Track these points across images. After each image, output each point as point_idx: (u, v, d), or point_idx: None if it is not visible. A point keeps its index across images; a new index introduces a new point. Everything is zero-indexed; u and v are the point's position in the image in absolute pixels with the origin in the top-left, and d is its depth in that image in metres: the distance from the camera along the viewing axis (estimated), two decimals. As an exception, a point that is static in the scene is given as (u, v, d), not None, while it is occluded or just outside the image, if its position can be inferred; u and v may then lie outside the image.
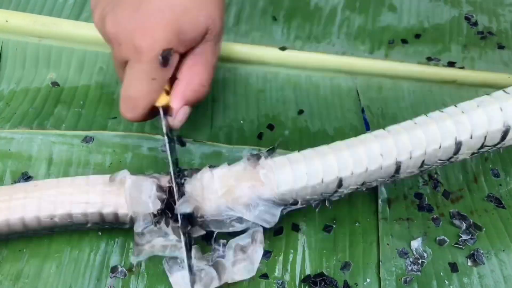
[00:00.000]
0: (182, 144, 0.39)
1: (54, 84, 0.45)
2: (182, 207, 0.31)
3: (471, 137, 0.32)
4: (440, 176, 0.40)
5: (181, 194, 0.32)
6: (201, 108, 0.44)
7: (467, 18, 0.53)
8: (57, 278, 0.33)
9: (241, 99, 0.45)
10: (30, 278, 0.33)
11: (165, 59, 0.31)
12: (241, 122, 0.44)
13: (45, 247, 0.34)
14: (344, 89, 0.47)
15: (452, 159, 0.33)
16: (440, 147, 0.32)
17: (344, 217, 0.37)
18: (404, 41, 0.51)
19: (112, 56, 0.34)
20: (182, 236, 0.31)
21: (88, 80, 0.45)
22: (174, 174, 0.33)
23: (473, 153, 0.33)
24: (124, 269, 0.34)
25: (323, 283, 0.34)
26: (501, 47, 0.51)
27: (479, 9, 0.54)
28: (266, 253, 0.35)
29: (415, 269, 0.35)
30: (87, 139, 0.40)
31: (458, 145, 0.32)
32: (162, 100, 0.34)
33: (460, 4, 0.54)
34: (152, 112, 0.34)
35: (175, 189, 0.32)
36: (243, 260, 0.33)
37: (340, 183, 0.32)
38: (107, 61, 0.46)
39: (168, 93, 0.34)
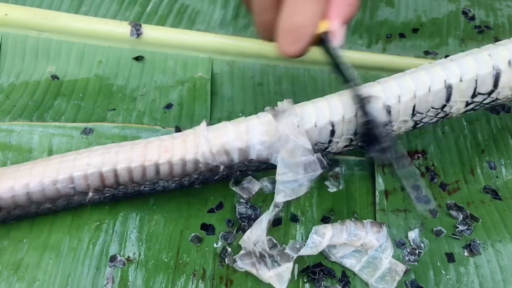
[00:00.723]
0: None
1: (54, 77, 0.45)
2: None
3: (461, 80, 0.32)
4: (437, 168, 0.41)
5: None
6: (200, 101, 0.44)
7: (464, 13, 0.53)
8: (56, 267, 0.33)
9: (239, 92, 0.45)
10: (29, 268, 0.33)
11: None
12: (240, 114, 0.44)
13: (44, 237, 0.35)
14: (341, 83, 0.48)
15: (447, 110, 0.33)
16: (429, 90, 0.32)
17: (341, 208, 0.38)
18: (401, 35, 0.51)
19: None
20: None
21: (88, 73, 0.45)
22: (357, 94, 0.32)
23: (467, 104, 0.33)
24: (123, 259, 0.34)
25: (321, 273, 0.34)
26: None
27: (476, 3, 0.54)
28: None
29: (412, 259, 0.35)
30: (86, 131, 0.40)
31: (449, 90, 0.32)
32: (322, 27, 0.31)
33: (458, -2, 0.55)
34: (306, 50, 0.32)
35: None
36: None
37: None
38: (106, 55, 0.46)
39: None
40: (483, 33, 0.52)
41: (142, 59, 0.46)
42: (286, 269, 0.33)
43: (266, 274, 0.33)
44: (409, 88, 0.32)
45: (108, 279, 0.33)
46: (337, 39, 0.31)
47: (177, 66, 0.46)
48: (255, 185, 0.38)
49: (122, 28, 0.47)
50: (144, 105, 0.43)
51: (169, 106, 0.43)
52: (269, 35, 0.32)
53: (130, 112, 0.42)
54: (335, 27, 0.31)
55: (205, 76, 0.46)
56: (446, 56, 0.48)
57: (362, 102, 0.32)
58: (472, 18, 0.53)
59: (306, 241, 0.34)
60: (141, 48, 0.47)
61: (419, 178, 0.34)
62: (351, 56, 0.48)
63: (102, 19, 0.47)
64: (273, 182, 0.37)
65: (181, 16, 0.50)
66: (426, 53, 0.49)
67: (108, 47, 0.47)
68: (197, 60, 0.47)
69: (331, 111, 0.33)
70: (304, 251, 0.33)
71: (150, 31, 0.47)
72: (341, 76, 0.32)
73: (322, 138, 0.33)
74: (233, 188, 0.38)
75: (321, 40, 0.31)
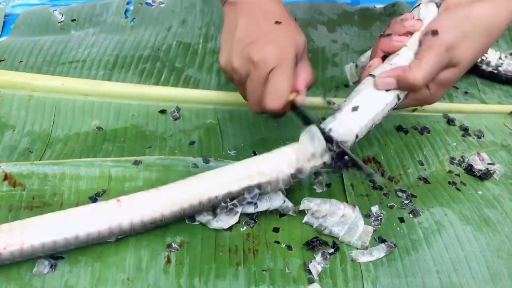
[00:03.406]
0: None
1: (99, 128, 0.59)
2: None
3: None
4: (385, 167, 0.59)
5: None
6: (214, 138, 0.60)
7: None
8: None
9: (239, 130, 0.62)
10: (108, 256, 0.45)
11: (296, 60, 0.48)
12: (242, 145, 0.60)
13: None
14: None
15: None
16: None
17: (325, 197, 0.53)
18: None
19: (250, 81, 0.48)
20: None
21: (125, 124, 0.60)
22: (321, 129, 0.46)
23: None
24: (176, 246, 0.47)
25: (318, 243, 0.48)
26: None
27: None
28: (277, 229, 0.49)
29: (376, 224, 0.51)
30: (136, 162, 0.54)
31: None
32: (291, 96, 0.48)
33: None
34: (285, 105, 0.48)
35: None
36: None
37: None
38: (137, 110, 0.62)
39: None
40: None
41: (165, 112, 0.62)
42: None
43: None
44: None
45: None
46: (301, 98, 0.49)
47: (192, 115, 0.62)
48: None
49: (148, 89, 0.63)
50: (173, 143, 0.58)
51: (192, 143, 0.59)
52: (260, 105, 0.48)
53: (163, 148, 0.57)
54: (301, 88, 0.49)
55: (214, 121, 0.62)
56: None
57: (330, 140, 0.46)
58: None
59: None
60: (162, 104, 0.63)
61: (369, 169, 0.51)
62: (313, 101, 0.67)
63: (133, 85, 0.63)
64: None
65: (188, 82, 0.67)
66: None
67: (138, 104, 0.62)
68: (206, 111, 0.63)
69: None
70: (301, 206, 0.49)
71: (170, 91, 0.64)
72: (307, 124, 0.48)
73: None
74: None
75: (292, 105, 0.49)
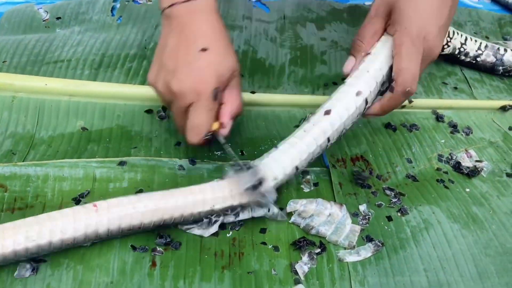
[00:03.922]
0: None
1: (84, 129, 0.58)
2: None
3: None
4: (373, 166, 0.58)
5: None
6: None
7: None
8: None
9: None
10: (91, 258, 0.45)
11: (215, 95, 0.47)
12: (229, 144, 0.59)
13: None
14: (298, 117, 0.65)
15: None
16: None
17: (313, 196, 0.53)
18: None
19: (173, 109, 0.49)
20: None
21: (110, 124, 0.59)
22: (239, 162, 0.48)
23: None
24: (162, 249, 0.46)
25: (304, 242, 0.48)
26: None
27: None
28: (264, 230, 0.49)
29: (364, 223, 0.51)
30: (121, 163, 0.53)
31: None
32: (214, 126, 0.49)
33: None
34: (206, 139, 0.49)
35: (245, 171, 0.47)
36: None
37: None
38: (123, 110, 0.61)
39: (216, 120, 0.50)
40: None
41: (151, 112, 0.61)
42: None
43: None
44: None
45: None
46: (226, 130, 0.50)
47: (178, 114, 0.62)
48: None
49: (134, 89, 0.62)
50: (159, 143, 0.57)
51: (178, 143, 0.58)
52: (184, 135, 0.50)
53: (149, 149, 0.56)
54: (225, 120, 0.50)
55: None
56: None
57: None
58: (381, 69, 0.74)
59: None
60: (148, 103, 0.62)
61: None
62: (301, 100, 0.67)
63: (118, 84, 0.63)
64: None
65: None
66: (354, 94, 0.69)
67: (124, 104, 0.62)
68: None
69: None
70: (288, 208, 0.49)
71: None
72: (227, 155, 0.51)
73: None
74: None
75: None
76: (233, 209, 0.47)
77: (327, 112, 0.49)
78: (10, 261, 0.42)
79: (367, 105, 0.50)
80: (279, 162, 0.48)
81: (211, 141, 0.51)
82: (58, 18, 0.77)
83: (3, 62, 0.65)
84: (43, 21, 0.77)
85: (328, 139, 0.49)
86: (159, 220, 0.45)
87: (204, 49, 0.47)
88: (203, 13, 0.49)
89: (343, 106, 0.49)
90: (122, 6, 0.81)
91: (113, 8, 0.81)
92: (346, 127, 0.50)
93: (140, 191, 0.51)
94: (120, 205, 0.44)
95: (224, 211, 0.47)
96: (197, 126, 0.48)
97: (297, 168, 0.49)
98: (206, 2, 0.50)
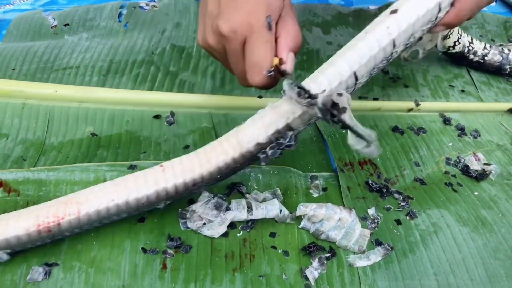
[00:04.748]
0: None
1: (93, 134, 0.59)
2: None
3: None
4: (381, 169, 0.58)
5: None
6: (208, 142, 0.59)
7: (381, 70, 0.75)
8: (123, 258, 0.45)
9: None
10: (102, 261, 0.45)
11: (269, 24, 0.44)
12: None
13: (110, 238, 0.47)
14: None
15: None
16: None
17: (322, 201, 0.53)
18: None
19: (229, 57, 0.45)
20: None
21: (119, 130, 0.60)
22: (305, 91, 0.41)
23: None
24: (172, 252, 0.46)
25: (315, 248, 0.48)
26: (406, 86, 0.73)
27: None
28: (273, 234, 0.49)
29: (373, 227, 0.51)
30: (132, 167, 0.54)
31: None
32: (274, 61, 0.44)
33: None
34: (270, 77, 0.44)
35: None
36: None
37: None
38: (131, 116, 0.61)
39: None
40: (395, 82, 0.73)
41: (159, 117, 0.62)
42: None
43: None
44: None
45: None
46: (288, 66, 0.44)
47: (186, 120, 0.62)
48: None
49: (143, 95, 0.63)
50: (167, 148, 0.58)
51: (187, 147, 0.58)
52: (245, 80, 0.46)
53: (158, 153, 0.57)
54: (283, 55, 0.44)
55: (209, 125, 0.62)
56: (374, 98, 0.69)
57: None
58: (387, 72, 0.75)
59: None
60: (157, 109, 0.63)
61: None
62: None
63: (127, 90, 0.63)
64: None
65: (182, 86, 0.67)
66: (360, 97, 0.69)
67: (132, 110, 0.62)
68: (201, 115, 0.63)
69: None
70: (297, 212, 0.49)
71: (164, 96, 0.63)
72: (296, 91, 0.41)
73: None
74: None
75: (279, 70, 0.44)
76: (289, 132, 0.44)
77: (394, 12, 0.43)
78: (92, 225, 0.45)
79: (439, 13, 0.45)
80: (335, 66, 0.42)
81: (276, 80, 0.46)
82: (66, 25, 0.78)
83: (13, 69, 0.66)
84: (51, 27, 0.78)
85: (394, 44, 0.43)
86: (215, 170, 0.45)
87: None
88: None
89: (412, 4, 0.44)
90: (129, 12, 0.82)
91: (120, 15, 0.81)
92: (414, 34, 0.44)
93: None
94: (182, 163, 0.45)
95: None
96: (257, 63, 0.44)
97: (356, 77, 0.43)
98: None
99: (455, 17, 0.48)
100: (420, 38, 0.47)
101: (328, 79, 0.43)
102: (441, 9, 0.46)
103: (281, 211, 0.49)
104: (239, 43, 0.44)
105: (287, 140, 0.44)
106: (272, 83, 0.46)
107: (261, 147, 0.45)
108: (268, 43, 0.44)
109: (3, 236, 0.42)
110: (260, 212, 0.49)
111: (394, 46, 0.44)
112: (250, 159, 0.46)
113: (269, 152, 0.45)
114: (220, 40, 0.45)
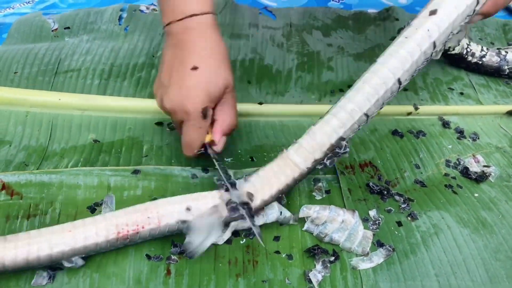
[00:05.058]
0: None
1: (95, 141, 0.59)
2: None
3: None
4: (381, 171, 0.59)
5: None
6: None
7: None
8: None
9: (237, 137, 0.62)
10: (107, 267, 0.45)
11: (204, 114, 0.48)
12: (239, 151, 0.60)
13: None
14: (305, 125, 0.66)
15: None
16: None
17: (325, 203, 0.53)
18: (341, 90, 0.71)
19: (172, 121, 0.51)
20: None
21: (121, 136, 0.60)
22: (227, 180, 0.48)
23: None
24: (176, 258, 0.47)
25: (318, 250, 0.48)
26: (405, 89, 0.73)
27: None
28: (277, 238, 0.49)
29: (375, 228, 0.51)
30: (135, 171, 0.54)
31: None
32: (207, 139, 0.50)
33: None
34: (204, 149, 0.51)
35: (230, 189, 0.47)
36: None
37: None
38: (133, 123, 0.62)
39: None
40: (396, 84, 0.74)
41: (161, 124, 0.62)
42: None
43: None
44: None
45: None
46: (217, 147, 0.51)
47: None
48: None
49: (144, 102, 0.63)
50: (169, 152, 0.58)
51: (189, 151, 0.59)
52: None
53: (160, 158, 0.57)
54: (216, 138, 0.51)
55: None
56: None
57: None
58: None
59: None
60: (159, 116, 0.63)
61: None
62: (308, 109, 0.67)
63: (129, 98, 0.64)
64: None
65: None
66: (360, 100, 0.70)
67: (135, 118, 0.62)
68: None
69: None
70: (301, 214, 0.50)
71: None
72: (218, 173, 0.50)
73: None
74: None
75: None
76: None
77: (433, 12, 0.44)
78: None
79: (476, 6, 0.46)
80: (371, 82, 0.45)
81: (206, 153, 0.52)
82: (66, 28, 0.78)
83: (14, 73, 0.66)
84: (52, 31, 0.78)
85: (434, 45, 0.44)
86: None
87: (194, 68, 0.48)
88: (198, 30, 0.50)
89: (452, 3, 0.44)
90: (129, 15, 0.82)
91: (120, 18, 0.82)
92: (453, 31, 0.44)
93: (154, 199, 0.51)
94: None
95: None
96: (189, 143, 0.50)
97: (400, 82, 0.46)
98: (202, 18, 0.50)
99: (493, 6, 0.51)
100: (457, 33, 0.47)
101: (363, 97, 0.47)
102: (479, 2, 0.46)
103: (281, 213, 0.49)
104: (178, 121, 0.50)
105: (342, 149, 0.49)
106: (203, 156, 0.52)
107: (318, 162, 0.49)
108: (201, 129, 0.49)
109: (82, 243, 0.43)
110: (261, 219, 0.49)
111: (434, 47, 0.44)
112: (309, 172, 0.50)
113: (327, 162, 0.49)
114: (163, 110, 0.51)
